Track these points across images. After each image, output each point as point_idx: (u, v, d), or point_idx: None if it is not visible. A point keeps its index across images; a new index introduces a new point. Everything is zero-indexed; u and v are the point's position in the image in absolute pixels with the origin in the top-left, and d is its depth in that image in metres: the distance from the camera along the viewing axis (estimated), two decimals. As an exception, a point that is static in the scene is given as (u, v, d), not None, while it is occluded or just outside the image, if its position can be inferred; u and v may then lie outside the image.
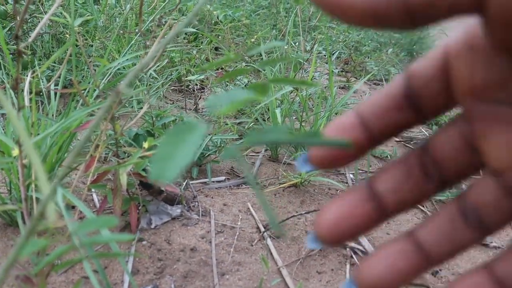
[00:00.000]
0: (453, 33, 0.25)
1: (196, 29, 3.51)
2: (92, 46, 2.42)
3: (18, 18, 0.72)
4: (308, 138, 0.25)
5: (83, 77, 2.24)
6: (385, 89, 0.27)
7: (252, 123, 1.86)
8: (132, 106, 1.86)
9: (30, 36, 2.40)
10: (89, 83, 1.29)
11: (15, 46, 0.84)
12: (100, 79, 1.41)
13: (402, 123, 0.26)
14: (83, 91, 1.26)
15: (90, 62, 1.71)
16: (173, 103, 2.35)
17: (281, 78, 0.31)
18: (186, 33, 3.41)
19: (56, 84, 1.56)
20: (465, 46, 0.24)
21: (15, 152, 0.93)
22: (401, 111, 0.26)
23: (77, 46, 1.52)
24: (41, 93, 1.81)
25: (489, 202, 0.25)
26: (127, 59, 1.31)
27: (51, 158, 1.24)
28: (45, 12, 2.44)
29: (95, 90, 1.28)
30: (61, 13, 2.36)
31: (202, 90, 2.66)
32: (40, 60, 2.45)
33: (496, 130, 0.24)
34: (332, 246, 0.28)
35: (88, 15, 2.56)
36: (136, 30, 2.03)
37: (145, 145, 1.13)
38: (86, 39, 2.50)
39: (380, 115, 0.26)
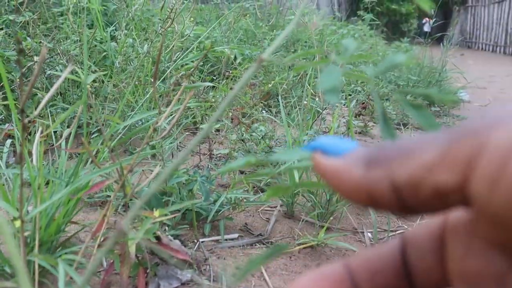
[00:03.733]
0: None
1: (213, 69, 3.50)
2: (107, 86, 2.39)
3: (22, 92, 0.67)
4: None
5: (96, 121, 2.21)
6: (379, 249, 0.26)
7: (269, 179, 1.79)
8: (148, 158, 1.81)
9: (45, 77, 2.37)
10: (100, 138, 1.24)
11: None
12: (113, 134, 1.37)
13: None
14: (93, 151, 1.21)
15: (100, 119, 1.67)
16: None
17: (306, 183, 0.32)
18: (202, 72, 3.39)
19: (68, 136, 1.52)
20: (464, 226, 0.23)
21: (17, 223, 0.88)
22: (397, 278, 0.25)
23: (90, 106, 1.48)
24: (51, 140, 1.77)
25: None
26: (140, 117, 1.27)
27: (59, 218, 1.18)
28: (60, 54, 2.43)
29: (105, 150, 1.23)
30: (74, 66, 2.34)
31: (217, 134, 2.62)
32: (54, 99, 2.43)
33: None
34: None
35: (104, 59, 2.54)
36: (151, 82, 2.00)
37: (156, 213, 1.07)
38: (103, 80, 2.48)
39: (373, 276, 0.25)
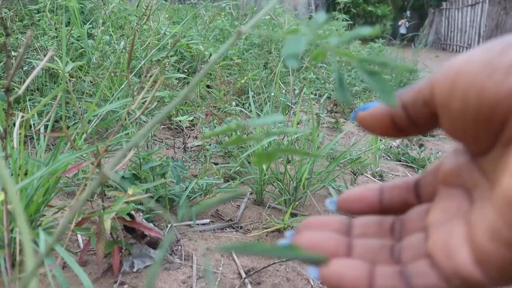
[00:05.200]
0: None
1: (189, 67, 3.57)
2: (84, 81, 2.45)
3: (7, 72, 0.75)
4: (285, 251, 0.32)
5: (74, 114, 2.27)
6: (405, 179, 0.40)
7: (238, 167, 1.88)
8: (122, 145, 1.89)
9: (22, 71, 2.43)
10: (77, 128, 1.32)
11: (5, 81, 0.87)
12: (91, 119, 1.44)
13: (408, 203, 0.38)
14: (71, 135, 1.29)
15: (79, 107, 1.74)
16: (162, 141, 2.38)
17: (287, 149, 0.38)
18: (178, 69, 3.46)
19: (47, 122, 1.59)
20: (453, 149, 0.36)
21: (1, 197, 0.95)
22: (408, 191, 0.39)
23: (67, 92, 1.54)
24: (31, 129, 1.84)
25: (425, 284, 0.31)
26: (115, 105, 1.34)
27: (37, 199, 1.25)
28: (39, 48, 2.49)
29: (83, 133, 1.31)
30: (55, 53, 2.40)
31: (192, 129, 2.70)
32: (32, 94, 2.48)
33: (440, 220, 0.33)
34: None
35: (81, 56, 2.60)
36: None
37: (130, 191, 1.15)
38: (80, 76, 2.54)
39: (393, 189, 0.40)
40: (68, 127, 2.07)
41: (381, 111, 0.36)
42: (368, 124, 0.37)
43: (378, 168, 2.49)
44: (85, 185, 1.18)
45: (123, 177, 1.46)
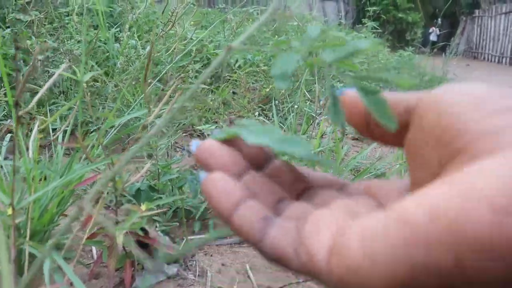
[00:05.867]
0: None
1: (214, 73, 3.55)
2: (108, 86, 2.45)
3: (17, 85, 0.72)
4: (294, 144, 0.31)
5: (96, 118, 2.26)
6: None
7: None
8: (142, 154, 1.87)
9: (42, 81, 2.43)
10: (96, 135, 1.29)
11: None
12: (113, 126, 1.42)
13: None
14: (87, 146, 1.27)
15: (97, 119, 1.73)
16: (183, 149, 2.35)
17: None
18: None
19: (66, 128, 1.58)
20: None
21: (9, 211, 0.93)
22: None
23: (84, 101, 1.52)
24: (52, 134, 1.83)
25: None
26: (133, 115, 1.32)
27: (52, 209, 1.23)
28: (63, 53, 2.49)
29: (99, 146, 1.29)
30: (78, 61, 2.40)
31: (215, 135, 2.66)
32: (56, 98, 2.49)
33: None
34: None
35: (107, 59, 2.59)
36: (149, 81, 2.05)
37: (143, 207, 1.12)
38: (104, 80, 2.54)
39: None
40: (88, 133, 2.06)
41: (360, 101, 0.33)
42: (349, 110, 0.34)
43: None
44: (99, 198, 1.15)
45: (139, 189, 1.43)
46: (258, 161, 0.36)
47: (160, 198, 1.53)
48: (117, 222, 1.18)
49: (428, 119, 0.28)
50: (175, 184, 1.52)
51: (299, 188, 0.36)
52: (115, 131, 1.47)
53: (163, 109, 1.20)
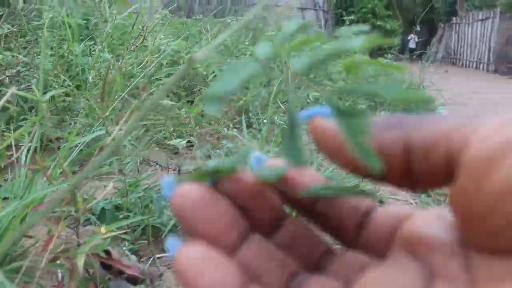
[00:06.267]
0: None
1: (189, 85, 3.53)
2: (80, 101, 2.42)
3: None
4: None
5: (56, 139, 2.23)
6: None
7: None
8: (112, 170, 1.84)
9: None
10: (55, 159, 1.27)
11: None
12: (73, 148, 1.40)
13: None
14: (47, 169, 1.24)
15: (57, 138, 1.70)
16: (156, 164, 2.33)
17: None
18: (178, 87, 3.42)
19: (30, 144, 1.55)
20: (439, 213, 0.25)
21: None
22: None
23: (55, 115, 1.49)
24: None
25: None
26: (97, 134, 1.30)
27: (10, 231, 1.21)
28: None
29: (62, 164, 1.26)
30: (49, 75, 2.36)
31: (190, 148, 2.64)
32: (27, 113, 2.44)
33: None
34: None
35: (83, 73, 2.56)
36: (117, 95, 2.03)
37: (103, 230, 1.10)
38: (75, 94, 2.51)
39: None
40: (58, 149, 2.02)
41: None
42: (334, 147, 0.24)
43: (379, 193, 2.42)
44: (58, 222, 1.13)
45: (103, 208, 1.41)
46: (263, 216, 0.27)
47: (128, 217, 1.51)
48: (78, 245, 1.15)
49: (492, 183, 0.19)
50: (143, 201, 1.50)
51: (317, 254, 0.28)
52: (80, 149, 1.45)
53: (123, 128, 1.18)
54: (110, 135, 1.11)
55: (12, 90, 0.83)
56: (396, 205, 0.27)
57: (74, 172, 1.43)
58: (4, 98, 0.85)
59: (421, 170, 0.22)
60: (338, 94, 0.23)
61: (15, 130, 2.29)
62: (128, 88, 1.96)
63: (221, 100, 0.22)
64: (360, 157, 0.21)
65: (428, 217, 0.24)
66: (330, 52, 0.23)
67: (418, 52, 6.30)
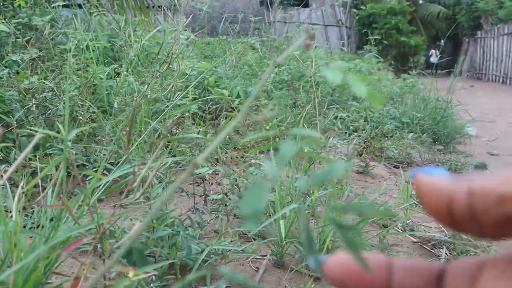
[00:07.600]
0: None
1: (215, 108, 3.51)
2: (106, 127, 2.40)
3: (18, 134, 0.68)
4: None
5: (94, 161, 2.21)
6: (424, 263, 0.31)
7: (258, 230, 1.78)
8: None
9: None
10: (79, 199, 1.24)
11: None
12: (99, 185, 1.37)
13: None
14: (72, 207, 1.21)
15: (81, 176, 1.68)
16: (182, 191, 2.29)
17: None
18: (203, 111, 3.40)
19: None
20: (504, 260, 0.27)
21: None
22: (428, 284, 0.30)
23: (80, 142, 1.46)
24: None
25: None
26: (120, 173, 1.26)
27: (37, 274, 1.17)
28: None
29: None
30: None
31: (217, 173, 2.60)
32: (52, 141, 2.44)
33: None
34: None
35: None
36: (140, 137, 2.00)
37: (131, 275, 1.06)
38: (101, 119, 2.49)
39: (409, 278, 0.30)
40: (85, 178, 2.00)
41: (443, 186, 0.27)
42: (423, 193, 0.28)
43: (410, 220, 2.35)
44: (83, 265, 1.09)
45: (130, 249, 1.37)
46: None
47: (155, 252, 1.47)
48: (105, 286, 1.11)
49: None
50: (171, 237, 1.46)
51: None
52: (104, 187, 1.41)
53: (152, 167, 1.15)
54: (136, 171, 1.07)
55: (38, 136, 0.80)
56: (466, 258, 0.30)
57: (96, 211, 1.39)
58: (33, 142, 0.82)
59: (481, 210, 0.26)
60: (332, 209, 0.29)
61: (41, 157, 2.29)
62: (156, 119, 1.93)
63: (258, 218, 0.25)
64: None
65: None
66: (325, 177, 0.28)
67: (445, 71, 6.19)
